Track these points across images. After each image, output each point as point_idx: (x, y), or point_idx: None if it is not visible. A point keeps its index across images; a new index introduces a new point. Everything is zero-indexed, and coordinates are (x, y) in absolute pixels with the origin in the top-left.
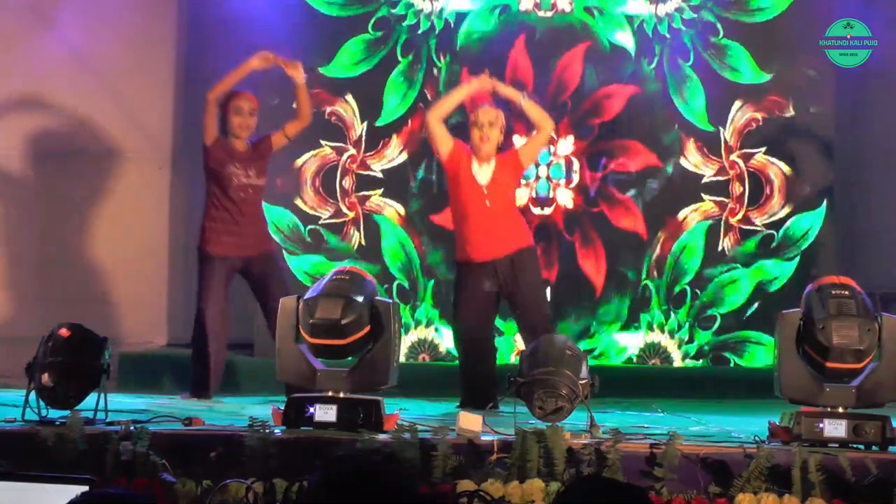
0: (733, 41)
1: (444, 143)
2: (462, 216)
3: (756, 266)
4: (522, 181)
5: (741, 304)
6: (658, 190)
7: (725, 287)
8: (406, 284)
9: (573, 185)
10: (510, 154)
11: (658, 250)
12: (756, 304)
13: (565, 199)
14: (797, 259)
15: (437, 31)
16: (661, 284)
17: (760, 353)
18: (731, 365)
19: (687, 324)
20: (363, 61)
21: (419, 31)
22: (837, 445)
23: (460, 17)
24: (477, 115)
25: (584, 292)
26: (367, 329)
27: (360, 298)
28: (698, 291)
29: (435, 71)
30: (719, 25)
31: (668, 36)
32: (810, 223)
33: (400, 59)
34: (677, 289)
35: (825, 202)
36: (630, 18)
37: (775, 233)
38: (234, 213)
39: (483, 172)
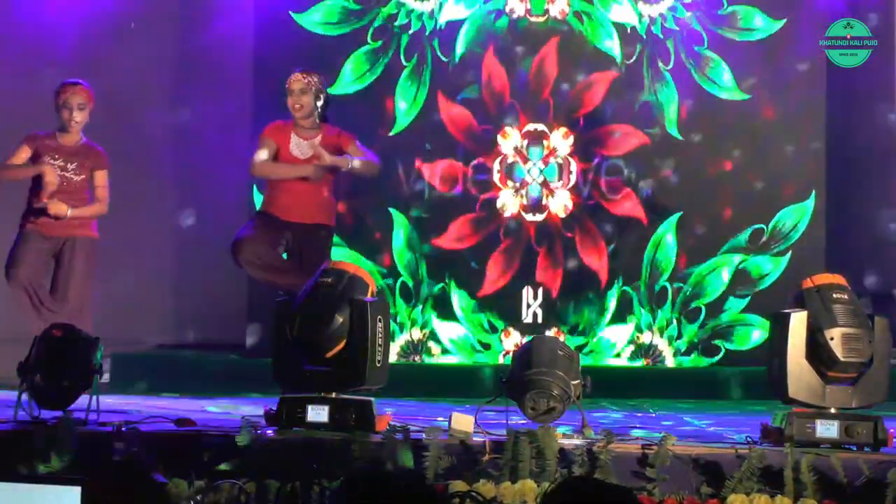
0: (740, 4)
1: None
2: (276, 182)
3: (731, 251)
4: (514, 188)
5: (723, 290)
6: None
7: (705, 277)
8: (410, 283)
9: (557, 200)
10: (342, 138)
11: (628, 253)
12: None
13: (544, 209)
14: (787, 256)
15: (438, 29)
16: (639, 286)
17: (750, 333)
18: (723, 352)
19: (674, 318)
20: (368, 73)
21: (412, 31)
22: (829, 446)
23: (457, 20)
24: (289, 83)
25: (591, 285)
26: (346, 340)
27: (340, 307)
28: (679, 286)
29: (441, 67)
30: None
31: (676, 26)
32: (798, 217)
33: (405, 62)
34: (657, 287)
35: (813, 195)
36: (630, 25)
37: (765, 227)
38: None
39: (303, 148)
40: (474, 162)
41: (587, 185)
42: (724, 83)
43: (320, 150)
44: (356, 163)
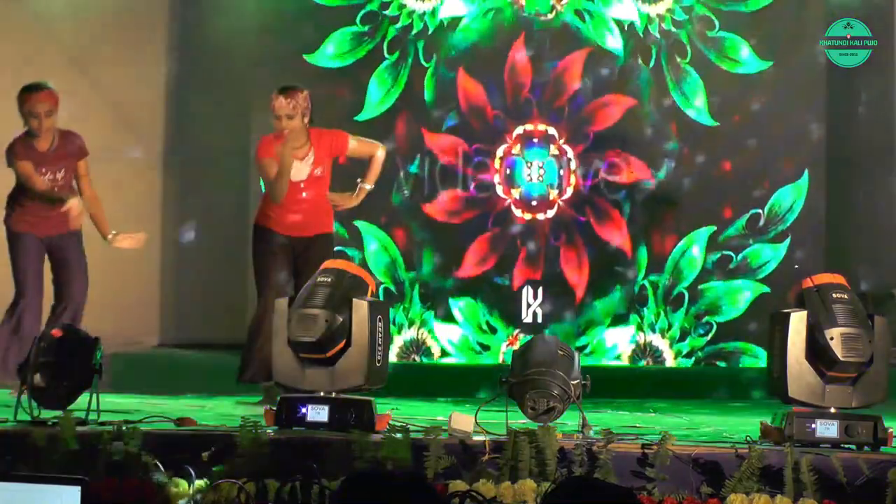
0: (730, 32)
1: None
2: (274, 198)
3: (757, 276)
4: (519, 193)
5: (739, 314)
6: (652, 194)
7: (724, 296)
8: (392, 287)
9: (563, 190)
10: (337, 144)
11: (657, 251)
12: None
13: (553, 204)
14: (787, 241)
15: (426, 32)
16: (658, 284)
17: (736, 301)
18: (715, 328)
19: (677, 325)
20: (348, 53)
21: (402, 27)
22: (829, 446)
23: (452, 17)
24: (274, 109)
25: (567, 297)
26: (346, 340)
27: (340, 307)
28: (697, 297)
29: (421, 70)
30: (715, 18)
31: (665, 32)
32: (793, 199)
33: (386, 55)
34: (675, 292)
35: (806, 173)
36: (622, 22)
37: (761, 211)
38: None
39: (299, 169)
40: (475, 182)
41: (588, 165)
42: (696, 104)
43: (338, 199)
44: (369, 185)
